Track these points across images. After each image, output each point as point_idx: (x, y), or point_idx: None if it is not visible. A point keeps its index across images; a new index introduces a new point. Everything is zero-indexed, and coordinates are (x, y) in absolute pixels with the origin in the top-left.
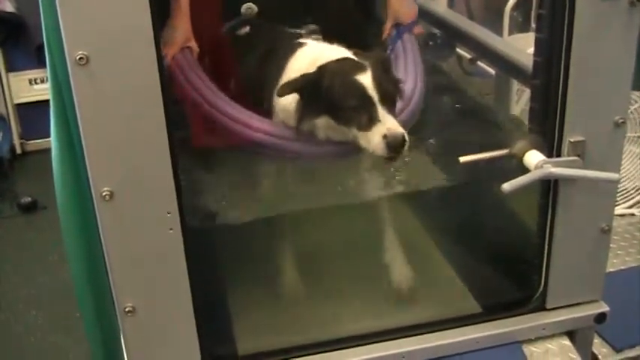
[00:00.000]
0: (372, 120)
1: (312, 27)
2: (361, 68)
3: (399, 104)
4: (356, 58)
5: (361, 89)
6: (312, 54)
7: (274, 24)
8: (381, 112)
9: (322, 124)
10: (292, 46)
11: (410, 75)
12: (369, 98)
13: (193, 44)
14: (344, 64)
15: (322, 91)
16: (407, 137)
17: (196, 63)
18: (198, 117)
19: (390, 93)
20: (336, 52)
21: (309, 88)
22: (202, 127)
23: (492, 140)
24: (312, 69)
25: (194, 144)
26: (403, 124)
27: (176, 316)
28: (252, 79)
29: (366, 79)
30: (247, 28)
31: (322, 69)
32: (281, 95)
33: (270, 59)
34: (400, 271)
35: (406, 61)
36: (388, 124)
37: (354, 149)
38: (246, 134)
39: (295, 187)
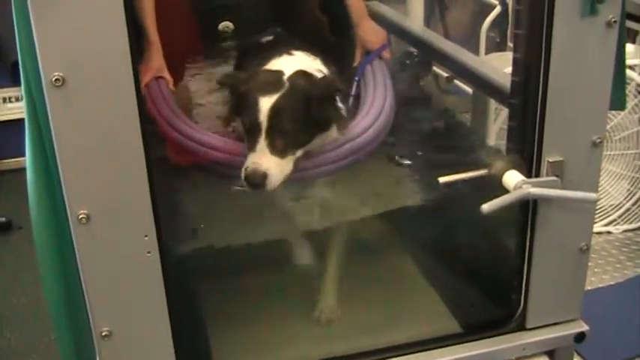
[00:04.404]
0: (253, 147)
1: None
2: (275, 88)
3: (364, 122)
4: (285, 74)
5: (255, 112)
6: (279, 64)
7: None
8: (262, 143)
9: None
10: (270, 56)
11: (378, 97)
12: (258, 124)
13: (166, 74)
14: (269, 76)
15: (239, 94)
16: (270, 178)
17: (169, 93)
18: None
19: (285, 126)
20: (295, 64)
21: (233, 86)
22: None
23: (469, 160)
24: None
25: (172, 162)
26: (365, 144)
27: (153, 340)
28: None
29: (266, 102)
30: (270, 37)
31: (253, 73)
32: (218, 84)
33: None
34: (326, 300)
35: (375, 84)
36: (256, 158)
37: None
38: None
39: (269, 211)
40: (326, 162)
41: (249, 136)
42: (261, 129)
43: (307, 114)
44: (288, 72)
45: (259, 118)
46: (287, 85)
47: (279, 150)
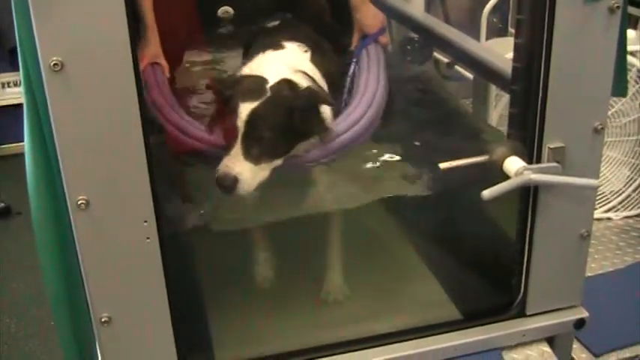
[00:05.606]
0: (229, 150)
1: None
2: (256, 95)
3: (355, 114)
4: (269, 82)
5: (234, 116)
6: (261, 62)
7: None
8: (237, 147)
9: None
10: (260, 48)
11: (371, 83)
12: (236, 129)
13: (162, 61)
14: (253, 82)
15: (224, 98)
16: (241, 182)
17: (164, 80)
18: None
19: (261, 134)
20: (278, 67)
21: (219, 90)
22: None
23: (470, 146)
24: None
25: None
26: (360, 133)
27: (153, 326)
28: None
29: (245, 109)
30: (277, 22)
31: (237, 79)
32: (206, 87)
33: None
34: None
35: (369, 70)
36: (230, 161)
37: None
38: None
39: (267, 196)
40: (314, 159)
41: (228, 139)
42: (238, 134)
43: (286, 124)
44: (268, 74)
45: (237, 123)
46: (268, 93)
47: (253, 156)
